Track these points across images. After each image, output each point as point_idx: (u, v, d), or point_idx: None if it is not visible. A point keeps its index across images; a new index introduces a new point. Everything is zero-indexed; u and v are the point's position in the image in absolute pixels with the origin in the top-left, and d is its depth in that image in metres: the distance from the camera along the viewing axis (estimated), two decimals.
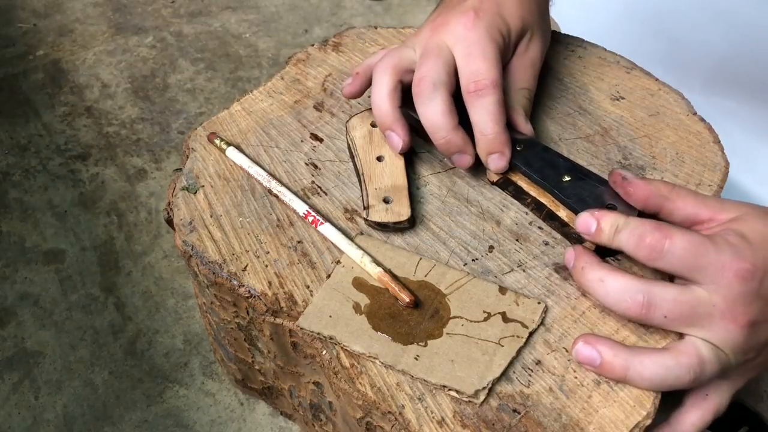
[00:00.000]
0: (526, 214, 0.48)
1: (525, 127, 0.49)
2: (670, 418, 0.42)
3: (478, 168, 0.51)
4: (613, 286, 0.39)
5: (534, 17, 0.51)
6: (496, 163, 0.47)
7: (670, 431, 0.41)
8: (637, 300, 0.38)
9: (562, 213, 0.46)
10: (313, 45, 0.62)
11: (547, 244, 0.46)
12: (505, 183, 0.49)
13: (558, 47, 0.60)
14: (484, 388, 0.39)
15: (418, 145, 0.53)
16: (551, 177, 0.47)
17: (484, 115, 0.46)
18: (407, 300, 0.42)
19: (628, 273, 0.40)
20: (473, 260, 0.46)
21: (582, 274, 0.41)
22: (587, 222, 0.42)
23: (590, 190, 0.46)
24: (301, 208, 0.48)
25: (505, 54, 0.49)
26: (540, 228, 0.47)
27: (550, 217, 0.47)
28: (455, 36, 0.48)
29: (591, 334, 0.40)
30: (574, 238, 0.46)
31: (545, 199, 0.47)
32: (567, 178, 0.46)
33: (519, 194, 0.48)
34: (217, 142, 0.52)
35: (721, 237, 0.39)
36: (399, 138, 0.48)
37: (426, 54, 0.48)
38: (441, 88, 0.46)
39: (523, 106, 0.50)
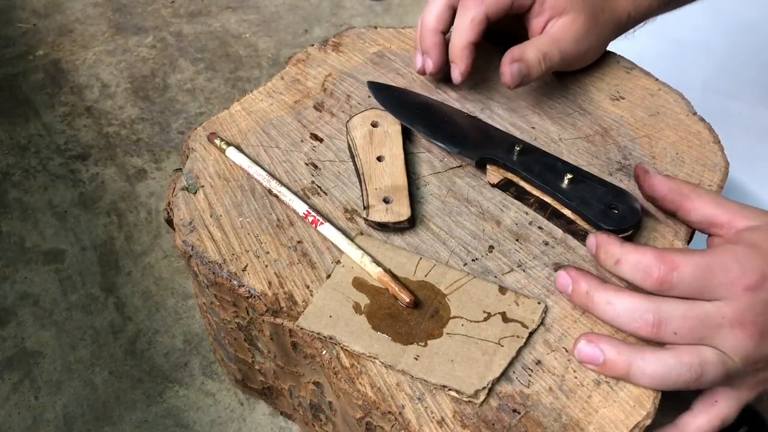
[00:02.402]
0: (526, 214, 0.48)
1: (507, 67, 0.50)
2: (677, 420, 0.41)
3: (478, 168, 0.51)
4: (622, 307, 0.39)
5: (586, 5, 0.52)
6: (452, 72, 0.52)
7: None
8: (647, 320, 0.38)
9: (567, 211, 0.46)
10: (313, 45, 0.62)
11: (547, 244, 0.46)
12: (506, 185, 0.49)
13: None
14: (484, 388, 0.39)
15: (417, 145, 0.53)
16: (551, 180, 0.47)
17: (458, 24, 0.50)
18: (407, 300, 0.42)
19: (634, 292, 0.40)
20: (473, 260, 0.46)
21: (588, 299, 0.41)
22: (590, 243, 0.43)
23: (591, 191, 0.46)
24: (301, 208, 0.48)
25: (527, 15, 0.52)
26: (540, 228, 0.47)
27: (555, 216, 0.47)
28: None
29: (592, 333, 0.40)
30: (581, 235, 0.46)
31: (549, 199, 0.47)
32: (567, 181, 0.46)
33: (521, 195, 0.49)
34: (217, 142, 0.52)
35: (729, 251, 0.38)
36: (432, 62, 0.53)
37: None
38: None
39: (527, 56, 0.51)
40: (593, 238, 0.42)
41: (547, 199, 0.47)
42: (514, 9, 0.51)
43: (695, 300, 0.38)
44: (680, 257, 0.38)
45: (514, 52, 0.51)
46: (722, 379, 0.39)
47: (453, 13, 0.52)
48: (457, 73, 0.51)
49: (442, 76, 0.56)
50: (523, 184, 0.48)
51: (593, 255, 0.42)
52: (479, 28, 0.50)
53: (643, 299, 0.39)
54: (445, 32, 0.53)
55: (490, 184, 0.50)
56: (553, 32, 0.52)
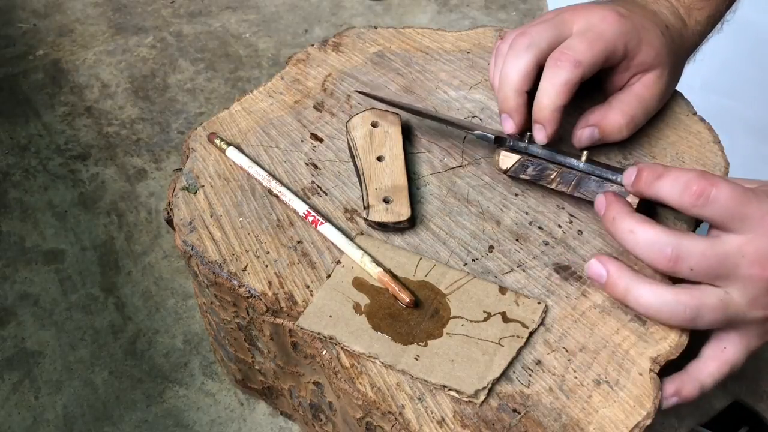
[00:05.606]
0: (526, 214, 0.48)
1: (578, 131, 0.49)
2: (687, 367, 0.42)
3: (477, 168, 0.51)
4: (643, 237, 0.40)
5: (669, 58, 0.50)
6: (536, 133, 0.47)
7: (688, 379, 0.41)
8: (666, 253, 0.39)
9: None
10: (313, 45, 0.62)
11: (547, 244, 0.46)
12: (520, 167, 0.48)
13: None
14: (484, 388, 0.39)
15: (417, 145, 0.53)
16: (567, 161, 0.47)
17: (549, 85, 0.46)
18: (407, 300, 0.42)
19: (658, 224, 0.40)
20: (473, 260, 0.46)
21: (613, 224, 0.41)
22: (629, 173, 0.42)
23: (608, 169, 0.46)
24: (301, 208, 0.48)
25: (613, 69, 0.49)
26: (540, 228, 0.47)
27: (591, 163, 0.47)
28: (587, 20, 0.47)
29: (605, 255, 0.42)
30: (618, 183, 0.45)
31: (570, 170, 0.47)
32: (585, 158, 0.47)
33: (542, 172, 0.48)
34: (217, 142, 0.52)
35: (762, 190, 0.39)
36: (514, 125, 0.48)
37: (545, 19, 0.48)
38: (533, 51, 0.46)
39: (609, 122, 0.49)
40: (634, 168, 0.42)
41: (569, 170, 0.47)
42: (603, 67, 0.48)
43: (718, 236, 0.39)
44: (721, 178, 0.39)
45: (590, 118, 0.49)
46: (720, 323, 0.39)
47: (539, 69, 0.47)
48: (542, 136, 0.47)
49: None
50: (541, 160, 0.48)
51: (634, 179, 0.42)
52: (572, 92, 0.46)
53: (666, 233, 0.39)
54: (529, 91, 0.48)
55: (502, 170, 0.49)
56: (639, 91, 0.50)
